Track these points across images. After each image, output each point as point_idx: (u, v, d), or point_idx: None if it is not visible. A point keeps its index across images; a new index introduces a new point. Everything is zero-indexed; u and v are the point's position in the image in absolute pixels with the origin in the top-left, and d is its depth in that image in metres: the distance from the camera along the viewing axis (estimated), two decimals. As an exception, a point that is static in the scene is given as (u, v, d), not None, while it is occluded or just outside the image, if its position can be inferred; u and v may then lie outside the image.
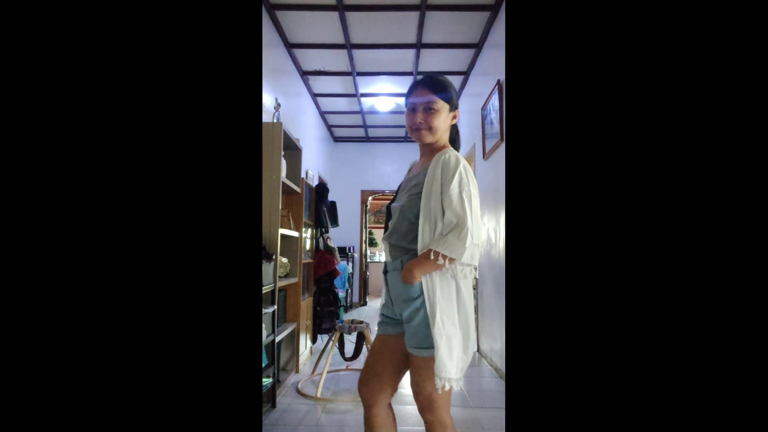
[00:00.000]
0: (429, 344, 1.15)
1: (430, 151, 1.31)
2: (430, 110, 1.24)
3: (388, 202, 1.40)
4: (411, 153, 6.50)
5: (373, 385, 1.28)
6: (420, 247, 1.18)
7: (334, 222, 3.89)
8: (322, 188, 3.74)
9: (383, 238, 1.33)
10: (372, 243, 8.41)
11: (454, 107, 1.29)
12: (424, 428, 1.24)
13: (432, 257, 1.14)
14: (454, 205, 1.15)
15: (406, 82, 4.42)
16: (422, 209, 1.19)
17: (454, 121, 1.32)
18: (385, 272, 1.31)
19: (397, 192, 1.37)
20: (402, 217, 1.25)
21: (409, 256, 1.22)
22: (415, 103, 1.25)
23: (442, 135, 1.29)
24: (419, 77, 1.30)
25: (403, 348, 1.24)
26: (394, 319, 1.28)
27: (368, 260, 7.54)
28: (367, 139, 6.67)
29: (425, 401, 1.19)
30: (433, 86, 1.25)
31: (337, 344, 2.94)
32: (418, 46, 3.64)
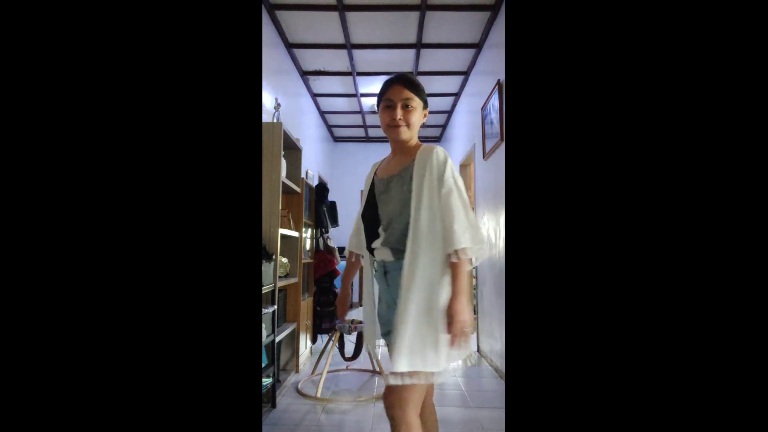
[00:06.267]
0: None
1: (402, 149, 1.32)
2: (407, 107, 1.27)
3: (363, 209, 1.38)
4: (411, 153, 6.46)
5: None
6: (415, 245, 1.17)
7: (334, 222, 3.89)
8: (322, 188, 3.74)
9: (380, 244, 1.28)
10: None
11: (426, 105, 1.33)
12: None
13: (464, 266, 1.15)
14: (454, 202, 1.17)
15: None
16: (416, 206, 1.20)
17: (424, 120, 1.36)
18: (386, 273, 1.29)
19: (369, 196, 1.35)
20: (401, 219, 1.24)
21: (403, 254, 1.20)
22: (392, 99, 1.27)
23: (416, 132, 1.32)
24: (392, 76, 1.33)
25: None
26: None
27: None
28: (367, 139, 6.66)
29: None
30: (409, 84, 1.28)
31: (337, 344, 2.94)
32: (418, 46, 3.64)
